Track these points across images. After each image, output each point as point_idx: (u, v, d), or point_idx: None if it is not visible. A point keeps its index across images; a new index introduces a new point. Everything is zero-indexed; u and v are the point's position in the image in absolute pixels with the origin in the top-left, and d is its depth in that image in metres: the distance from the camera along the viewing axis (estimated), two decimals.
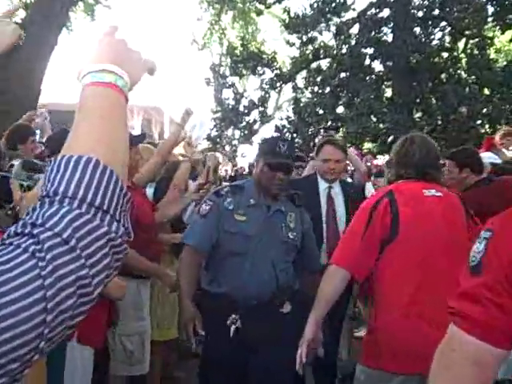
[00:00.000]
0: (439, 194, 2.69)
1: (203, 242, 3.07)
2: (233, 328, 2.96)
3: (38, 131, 6.07)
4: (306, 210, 3.33)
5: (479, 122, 14.42)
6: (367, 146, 15.41)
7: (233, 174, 13.64)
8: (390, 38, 15.40)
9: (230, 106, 16.52)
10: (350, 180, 6.59)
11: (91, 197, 0.76)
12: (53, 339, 0.72)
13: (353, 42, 15.46)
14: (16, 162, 2.86)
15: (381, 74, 15.70)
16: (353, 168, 6.95)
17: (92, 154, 0.79)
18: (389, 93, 15.84)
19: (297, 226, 3.17)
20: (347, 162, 5.26)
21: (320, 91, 15.72)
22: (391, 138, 13.49)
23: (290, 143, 3.12)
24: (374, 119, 14.84)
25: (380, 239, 2.56)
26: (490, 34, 15.25)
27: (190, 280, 3.11)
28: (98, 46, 0.94)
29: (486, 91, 14.55)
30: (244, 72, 16.86)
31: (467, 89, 14.38)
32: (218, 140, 15.89)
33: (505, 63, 15.57)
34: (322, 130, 4.53)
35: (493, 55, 15.82)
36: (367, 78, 15.45)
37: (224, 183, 5.60)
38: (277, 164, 2.99)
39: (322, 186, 4.13)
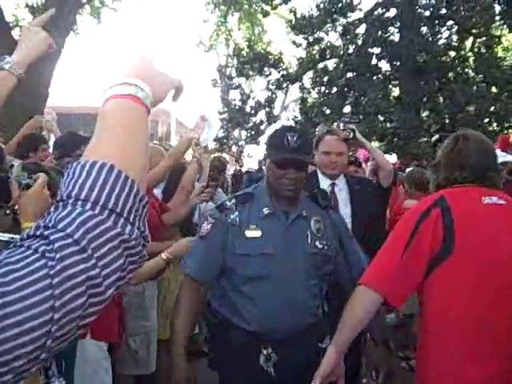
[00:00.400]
0: (502, 201, 2.24)
1: (204, 271, 2.56)
2: (268, 366, 2.49)
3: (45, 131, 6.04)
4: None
5: (487, 120, 14.35)
6: (374, 144, 15.37)
7: (238, 173, 13.01)
8: (396, 37, 15.33)
9: (237, 107, 16.50)
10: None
11: (104, 199, 0.77)
12: (62, 338, 0.73)
13: (359, 42, 15.42)
14: (16, 163, 2.86)
15: (388, 73, 15.66)
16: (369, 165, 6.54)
17: (107, 160, 0.80)
18: (396, 92, 15.81)
19: (326, 232, 2.61)
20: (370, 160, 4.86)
21: (327, 91, 15.68)
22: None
23: (302, 134, 2.50)
24: (382, 118, 14.83)
25: (429, 258, 2.10)
26: (498, 33, 15.17)
27: (188, 321, 2.62)
28: (124, 64, 0.96)
29: (494, 89, 14.47)
30: (250, 73, 16.82)
31: (475, 87, 14.31)
32: (225, 141, 15.89)
33: None
34: (341, 124, 4.05)
35: (500, 53, 15.71)
36: (374, 78, 15.40)
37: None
38: (284, 160, 2.46)
39: (325, 183, 3.62)
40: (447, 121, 14.49)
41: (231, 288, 2.53)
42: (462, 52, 15.14)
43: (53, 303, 0.69)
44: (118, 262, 0.77)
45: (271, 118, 16.10)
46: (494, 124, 14.28)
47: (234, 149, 15.98)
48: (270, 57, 16.50)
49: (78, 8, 11.11)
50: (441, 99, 14.90)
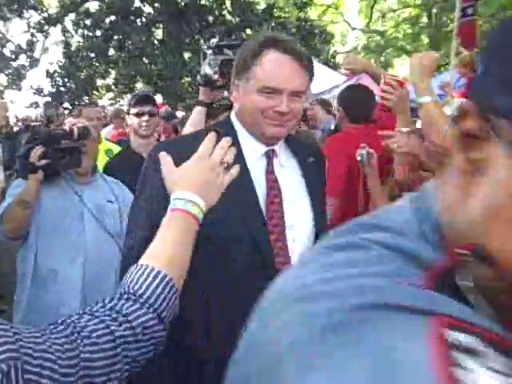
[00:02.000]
0: None
1: None
2: None
3: None
4: None
5: None
6: (139, 86, 15.60)
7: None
8: None
9: None
10: None
11: (162, 307, 1.00)
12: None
13: None
14: None
15: (151, 16, 15.87)
16: None
17: (165, 270, 1.01)
18: (160, 35, 16.10)
19: None
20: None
21: (91, 34, 15.49)
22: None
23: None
24: (147, 61, 15.07)
25: None
26: None
27: None
28: (190, 171, 1.17)
29: (249, 32, 15.46)
30: (9, 15, 15.93)
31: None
32: None
33: (264, 6, 16.63)
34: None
35: None
36: (138, 21, 15.53)
37: None
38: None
39: (255, 149, 1.67)
40: None
41: None
42: None
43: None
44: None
45: (33, 62, 15.51)
46: None
47: None
48: None
49: None
50: (202, 41, 15.53)
